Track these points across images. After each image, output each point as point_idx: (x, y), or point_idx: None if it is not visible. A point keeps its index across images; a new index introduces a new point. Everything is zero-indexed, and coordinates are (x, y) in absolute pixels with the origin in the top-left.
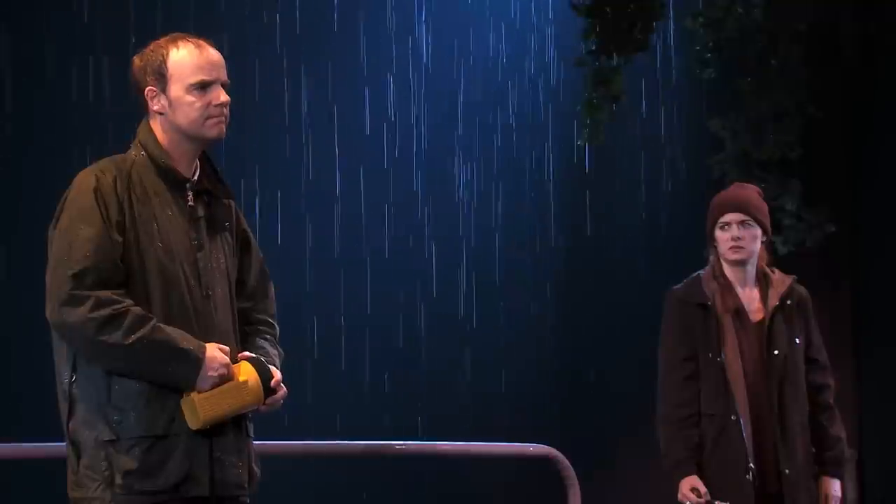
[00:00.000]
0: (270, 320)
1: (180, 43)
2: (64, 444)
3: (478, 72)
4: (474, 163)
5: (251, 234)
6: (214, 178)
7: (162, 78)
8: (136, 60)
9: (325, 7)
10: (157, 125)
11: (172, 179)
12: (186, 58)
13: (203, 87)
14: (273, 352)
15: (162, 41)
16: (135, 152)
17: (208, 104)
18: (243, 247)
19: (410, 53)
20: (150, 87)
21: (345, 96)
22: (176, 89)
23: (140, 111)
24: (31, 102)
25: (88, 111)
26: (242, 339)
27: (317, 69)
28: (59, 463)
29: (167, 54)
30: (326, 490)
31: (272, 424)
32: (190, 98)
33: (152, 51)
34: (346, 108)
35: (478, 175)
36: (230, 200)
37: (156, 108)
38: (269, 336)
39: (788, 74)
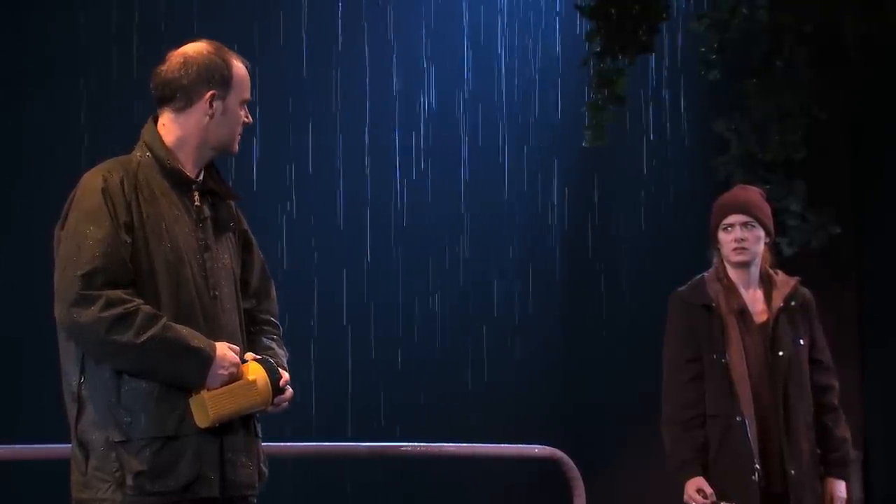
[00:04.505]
0: (274, 320)
1: (233, 55)
2: (63, 445)
3: (480, 72)
4: (478, 163)
5: (251, 235)
6: (218, 178)
7: (226, 86)
8: (193, 60)
9: (329, 11)
10: (168, 128)
11: (178, 180)
12: (242, 72)
13: (246, 104)
14: (280, 352)
15: (213, 48)
16: (139, 153)
17: (242, 121)
18: (245, 247)
19: (412, 55)
20: (213, 91)
21: (347, 94)
22: (233, 101)
23: (150, 108)
24: (30, 99)
25: (89, 110)
26: (248, 339)
27: (322, 73)
28: (60, 464)
29: (230, 64)
30: (332, 491)
31: (278, 426)
32: (240, 112)
33: (211, 54)
34: (349, 106)
35: (480, 175)
36: (231, 201)
37: (208, 111)
38: (275, 336)
39: (793, 75)
